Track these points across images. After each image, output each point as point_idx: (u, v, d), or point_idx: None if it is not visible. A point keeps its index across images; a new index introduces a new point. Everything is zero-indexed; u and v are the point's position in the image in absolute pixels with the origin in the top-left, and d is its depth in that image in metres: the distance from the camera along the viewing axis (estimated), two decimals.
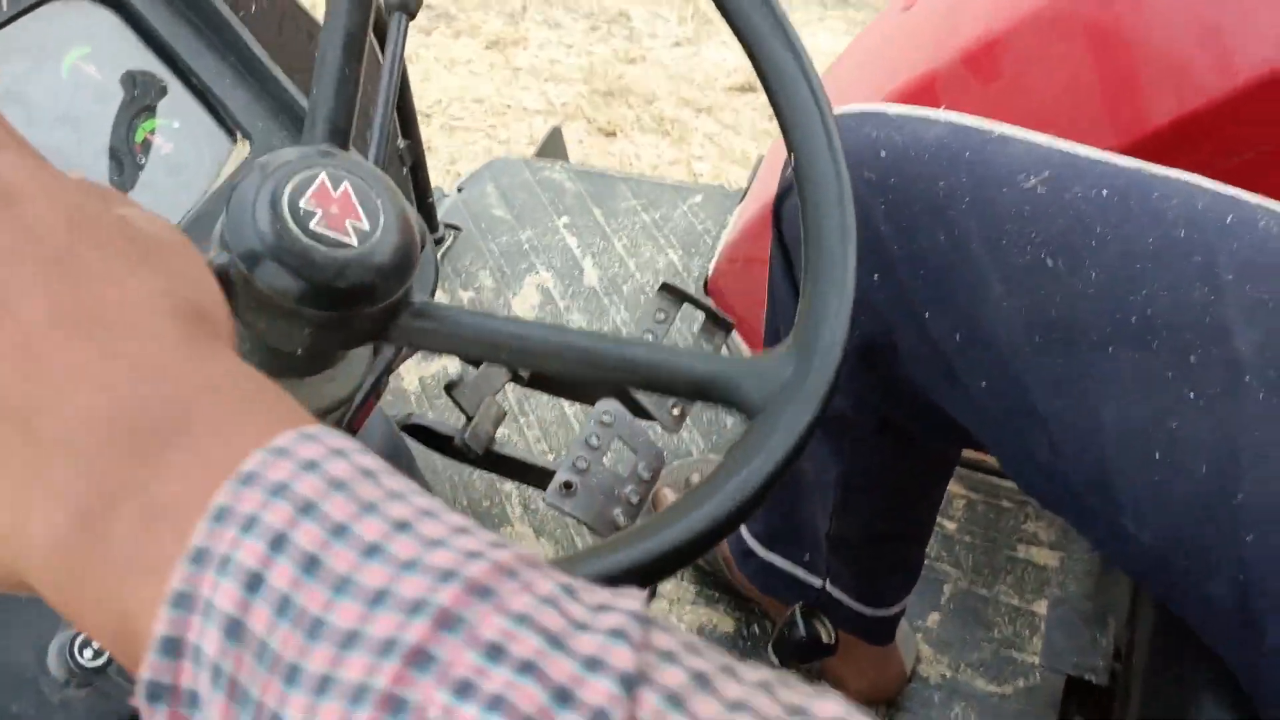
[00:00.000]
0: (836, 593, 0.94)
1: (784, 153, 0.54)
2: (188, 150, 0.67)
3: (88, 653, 0.50)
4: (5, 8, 0.59)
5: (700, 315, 0.94)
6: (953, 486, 1.23)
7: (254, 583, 0.22)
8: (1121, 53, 0.79)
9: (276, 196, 0.42)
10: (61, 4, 0.63)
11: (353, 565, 0.23)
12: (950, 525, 1.19)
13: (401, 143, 1.27)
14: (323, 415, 0.53)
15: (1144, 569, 0.62)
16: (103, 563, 0.24)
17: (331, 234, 0.43)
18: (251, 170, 0.42)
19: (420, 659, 0.21)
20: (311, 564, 0.23)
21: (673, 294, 0.98)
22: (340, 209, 0.44)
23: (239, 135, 0.69)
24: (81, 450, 0.25)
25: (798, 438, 0.44)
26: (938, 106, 0.72)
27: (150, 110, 0.66)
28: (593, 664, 0.22)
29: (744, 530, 0.99)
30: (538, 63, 2.45)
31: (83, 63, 0.63)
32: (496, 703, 0.21)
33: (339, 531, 0.23)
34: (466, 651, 0.21)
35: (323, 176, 0.43)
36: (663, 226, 1.47)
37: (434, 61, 2.43)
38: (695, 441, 1.27)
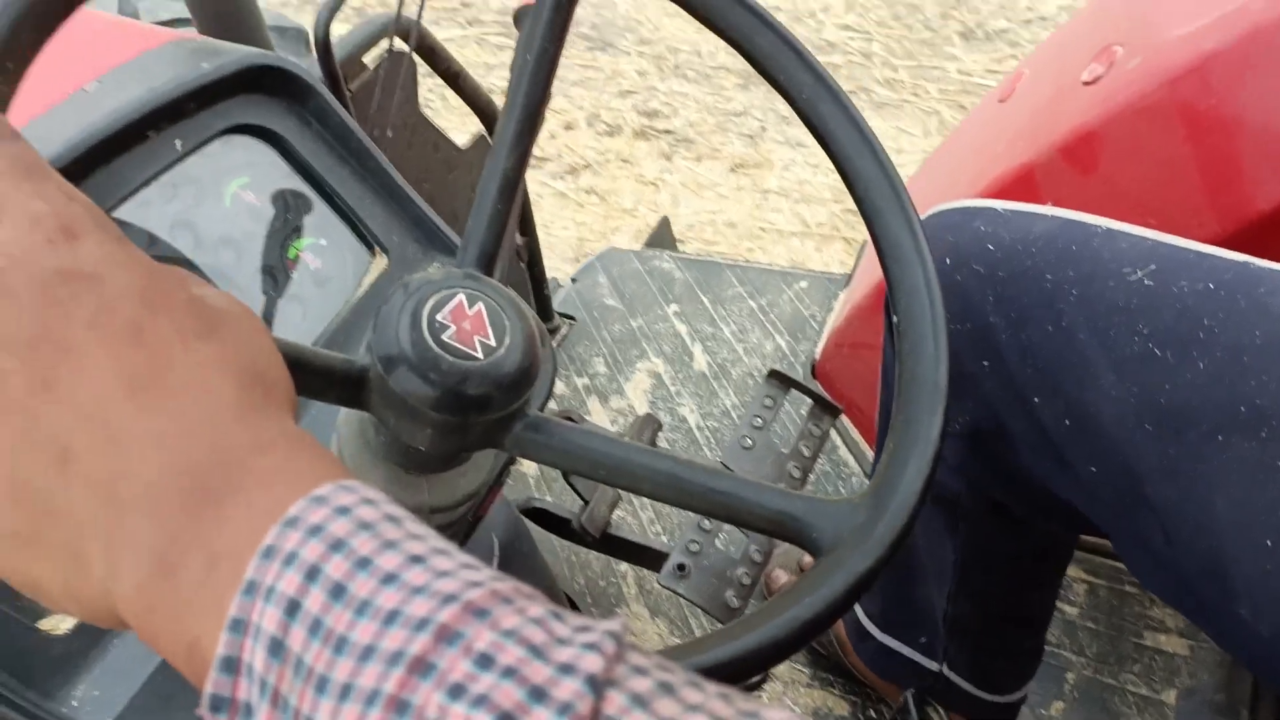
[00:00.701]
0: (954, 677, 0.94)
1: None
2: (333, 264, 0.74)
3: None
4: (179, 148, 0.67)
5: (808, 399, 0.96)
6: (1073, 570, 1.20)
7: (292, 608, 0.27)
8: (1221, 140, 0.79)
9: (418, 310, 0.48)
10: (223, 141, 0.71)
11: (372, 591, 0.27)
12: (1072, 610, 1.17)
13: (520, 239, 1.34)
14: (454, 507, 0.58)
15: (1263, 660, 0.61)
16: (175, 601, 0.29)
17: (460, 346, 0.48)
18: (401, 285, 0.48)
19: (422, 667, 0.25)
20: (338, 591, 0.27)
21: (781, 381, 1.01)
22: (472, 326, 0.49)
23: (378, 250, 0.76)
24: (156, 509, 0.29)
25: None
26: (1037, 198, 0.74)
27: (299, 230, 0.73)
28: (566, 669, 0.25)
29: (860, 612, 0.99)
30: (786, 183, 2.44)
31: (242, 191, 0.71)
32: (481, 701, 0.24)
33: (363, 564, 0.27)
34: (461, 660, 0.25)
35: (461, 296, 0.49)
36: (769, 312, 1.50)
37: (681, 186, 2.42)
38: None
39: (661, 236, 1.76)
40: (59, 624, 0.57)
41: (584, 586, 1.21)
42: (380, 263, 0.76)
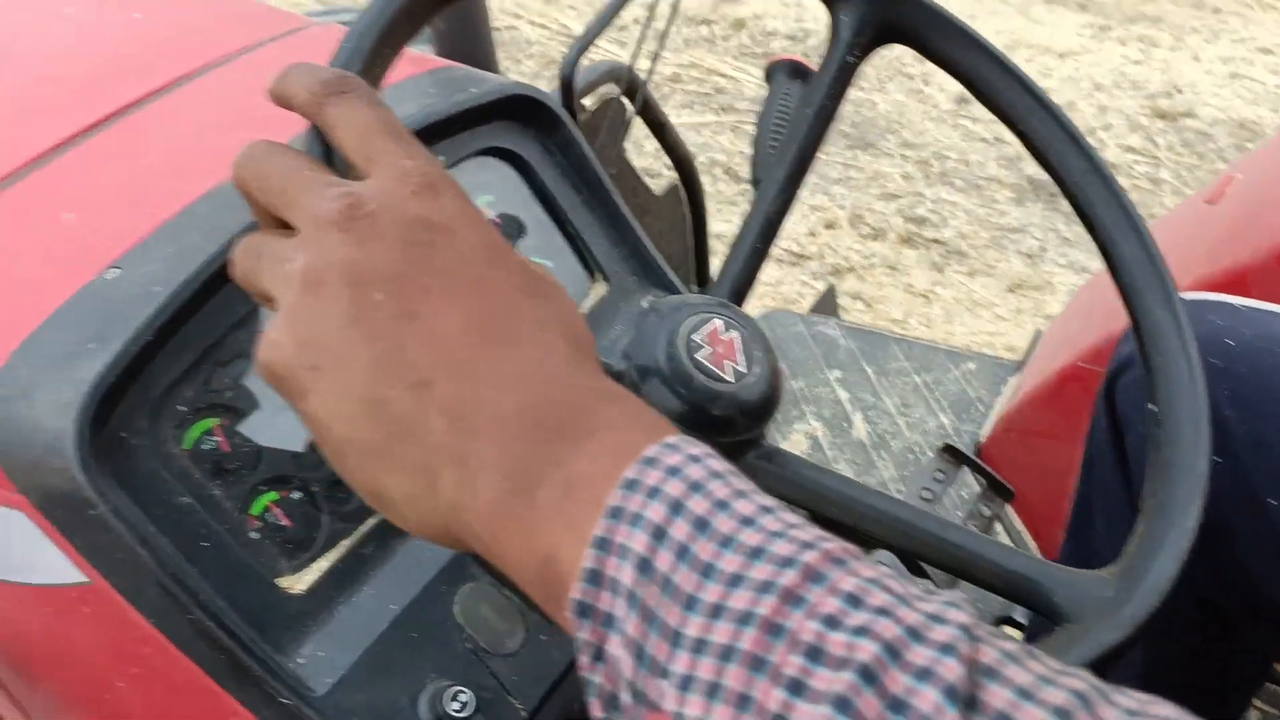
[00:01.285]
0: None
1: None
2: None
3: (455, 705, 0.58)
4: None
5: (975, 480, 0.95)
6: (1260, 703, 1.14)
7: (659, 534, 0.30)
8: None
9: (676, 328, 0.51)
10: (477, 160, 0.76)
11: (734, 530, 0.30)
12: None
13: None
14: None
15: None
16: (530, 518, 0.32)
17: (712, 368, 0.51)
18: (664, 304, 0.51)
19: (792, 599, 0.28)
20: (702, 525, 0.30)
21: (954, 456, 1.01)
22: (724, 350, 0.52)
23: (599, 275, 0.80)
24: (510, 439, 0.33)
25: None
26: (1251, 297, 0.73)
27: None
28: (935, 618, 0.27)
29: None
30: None
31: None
32: (862, 631, 0.27)
33: (721, 506, 0.30)
34: (829, 597, 0.28)
35: (717, 322, 0.52)
36: (934, 389, 1.49)
37: (954, 302, 2.28)
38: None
39: (826, 303, 1.78)
40: (295, 583, 0.61)
41: None
42: (600, 288, 0.79)
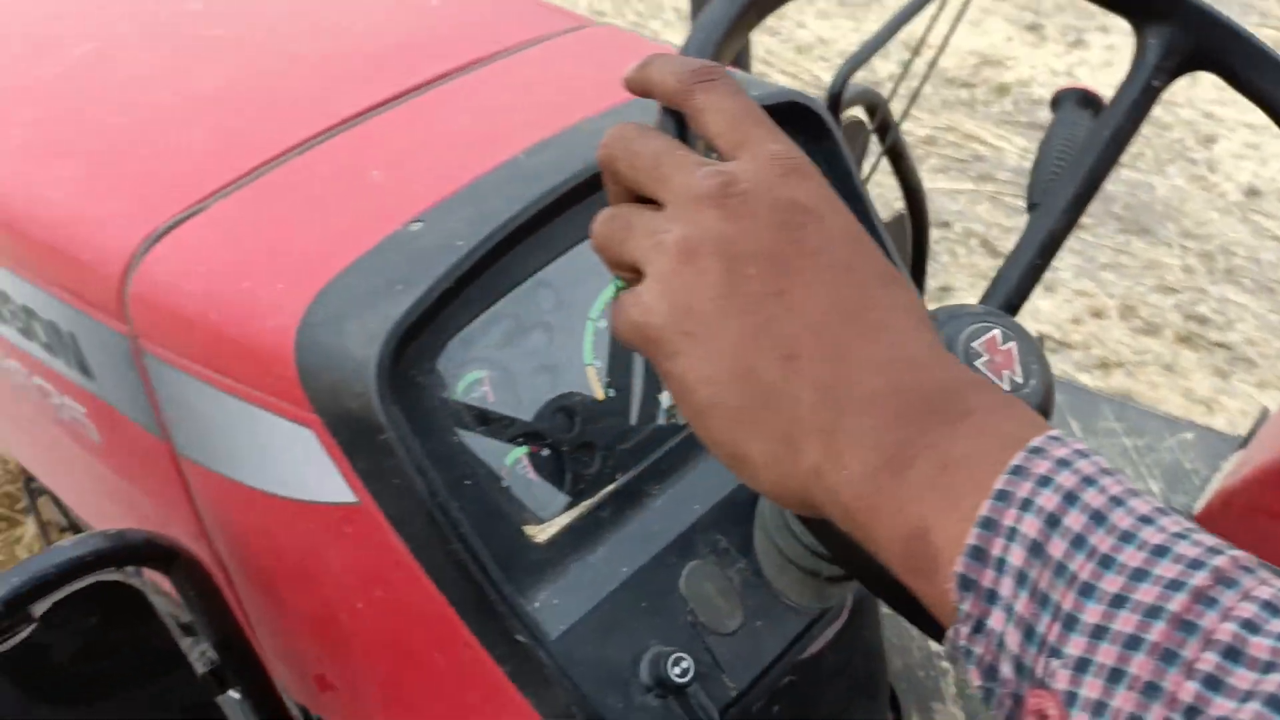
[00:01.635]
0: None
1: None
2: None
3: (677, 670, 0.60)
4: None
5: None
6: None
7: (1053, 521, 0.31)
8: None
9: (955, 334, 0.51)
10: None
11: (1133, 526, 0.30)
12: None
13: None
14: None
15: None
16: (901, 492, 0.34)
17: (990, 375, 0.51)
18: (942, 312, 0.52)
19: (1204, 599, 0.28)
20: (1099, 518, 0.31)
21: None
22: (1002, 360, 0.52)
23: None
24: (880, 416, 0.34)
25: None
26: None
27: None
28: None
29: None
30: None
31: None
32: None
33: (1117, 502, 0.31)
34: (1243, 603, 0.28)
35: (996, 331, 0.52)
36: (1145, 455, 1.43)
37: (1241, 415, 2.07)
38: None
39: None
40: (539, 533, 0.65)
41: (901, 671, 1.20)
42: None
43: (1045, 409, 0.52)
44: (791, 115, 0.78)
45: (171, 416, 0.74)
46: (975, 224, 2.51)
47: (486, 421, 0.65)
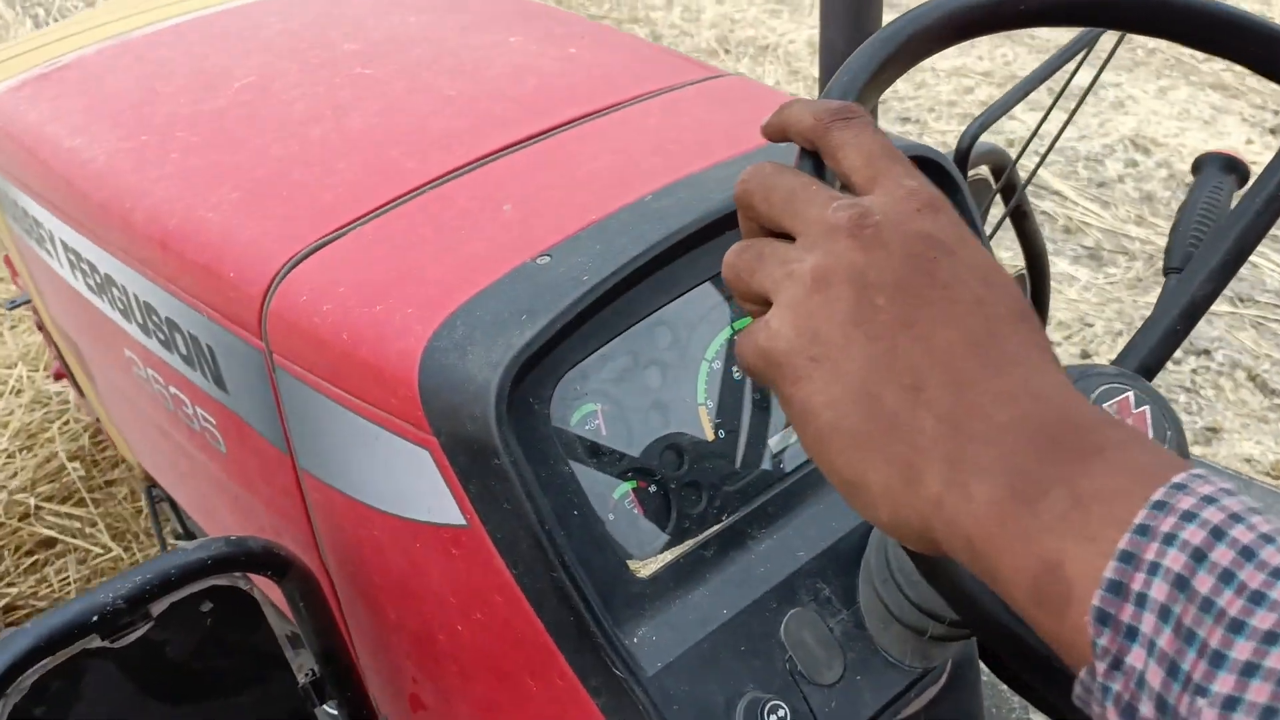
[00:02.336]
0: None
1: None
2: None
3: (773, 718, 0.59)
4: None
5: None
6: None
7: (1198, 556, 0.30)
8: None
9: (1087, 391, 0.50)
10: None
11: None
12: None
13: None
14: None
15: None
16: (1030, 524, 0.33)
17: None
18: (1074, 370, 0.51)
19: None
20: (1247, 554, 0.30)
21: None
22: (1135, 424, 0.51)
23: None
24: (1010, 445, 0.34)
25: None
26: None
27: None
28: None
29: None
30: None
31: None
32: None
33: (1267, 539, 0.30)
34: None
35: (1130, 394, 0.51)
36: None
37: None
38: None
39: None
40: (641, 569, 0.65)
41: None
42: None
43: None
44: (923, 167, 0.78)
45: (297, 431, 0.78)
46: (1240, 354, 2.31)
47: (597, 454, 0.66)
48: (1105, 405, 0.50)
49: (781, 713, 0.59)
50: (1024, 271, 1.29)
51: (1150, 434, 0.51)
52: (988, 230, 1.40)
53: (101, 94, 1.09)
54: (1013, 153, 1.12)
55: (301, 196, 0.82)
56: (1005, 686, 1.14)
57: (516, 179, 0.79)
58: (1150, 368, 0.56)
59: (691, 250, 0.69)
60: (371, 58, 1.03)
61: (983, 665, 1.05)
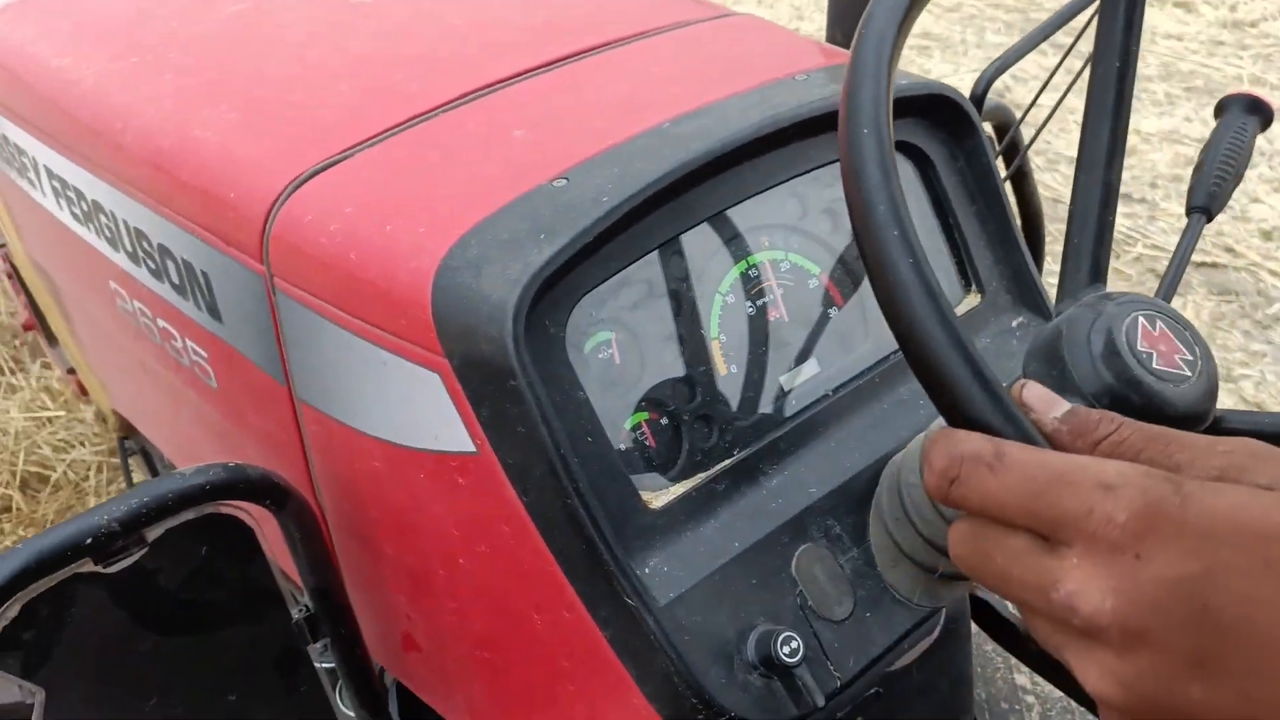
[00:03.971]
0: None
1: None
2: None
3: (785, 650, 0.58)
4: None
5: None
6: None
7: None
8: None
9: (1116, 347, 0.50)
10: None
11: None
12: None
13: None
14: None
15: None
16: None
17: (1171, 371, 0.49)
18: (1070, 324, 0.50)
19: None
20: None
21: None
22: (1167, 346, 0.50)
23: (974, 288, 0.79)
24: None
25: None
26: None
27: None
28: None
29: None
30: None
31: None
32: None
33: None
34: None
35: (1141, 320, 0.50)
36: None
37: None
38: None
39: None
40: (654, 499, 0.64)
41: (983, 702, 1.16)
42: (972, 299, 0.79)
43: (1215, 369, 0.51)
44: (937, 109, 0.77)
45: (296, 360, 0.75)
46: None
47: (611, 383, 0.65)
48: (1139, 345, 0.50)
49: (795, 644, 0.58)
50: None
51: (1177, 342, 0.50)
52: None
53: (89, 15, 1.05)
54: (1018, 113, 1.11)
55: (302, 118, 0.80)
56: (991, 647, 1.14)
57: (527, 105, 0.77)
58: (1103, 267, 0.56)
59: (709, 178, 0.68)
60: None
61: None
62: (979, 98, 0.90)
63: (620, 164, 0.66)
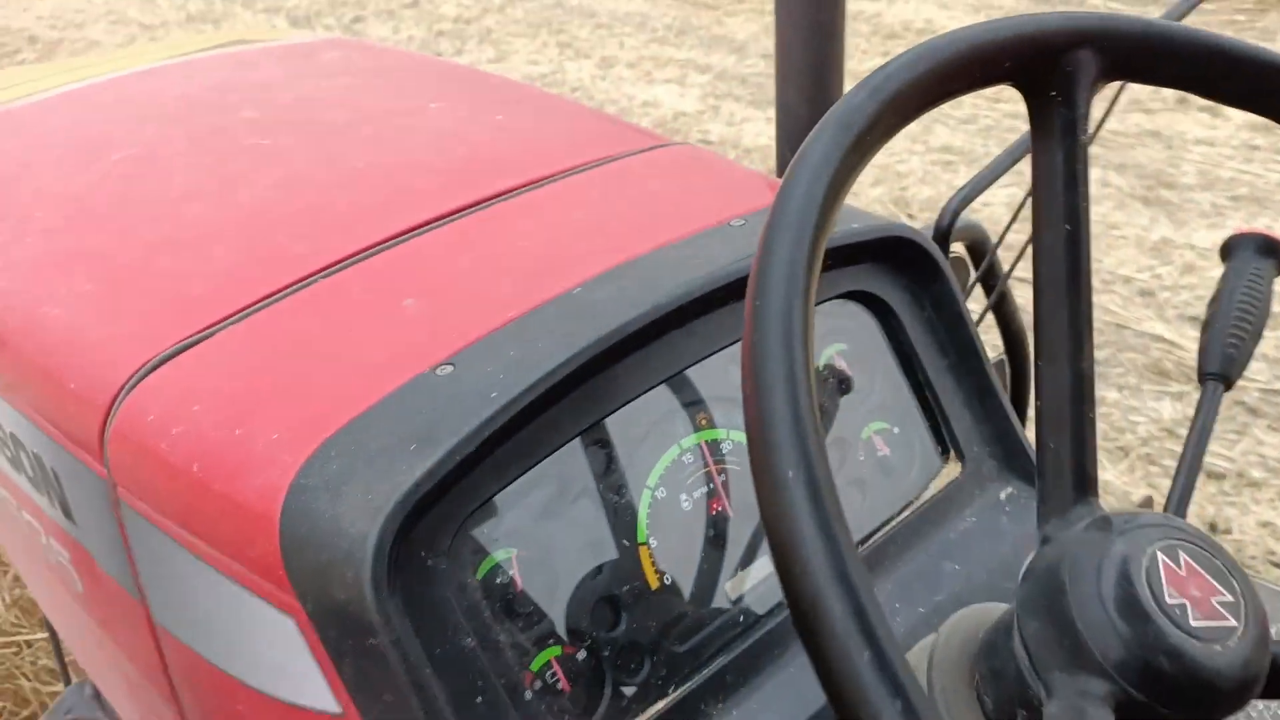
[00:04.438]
0: None
1: None
2: (901, 457, 0.67)
3: None
4: None
5: None
6: None
7: None
8: None
9: (1139, 603, 0.38)
10: (839, 303, 0.67)
11: None
12: None
13: None
14: None
15: None
16: None
17: (1213, 625, 0.37)
18: (1072, 569, 0.39)
19: None
20: None
21: None
22: (1200, 589, 0.38)
23: (953, 454, 0.67)
24: None
25: None
26: None
27: (879, 413, 0.67)
28: None
29: None
30: None
31: (838, 356, 0.67)
32: None
33: None
34: None
35: (1161, 558, 0.39)
36: None
37: None
38: None
39: None
40: None
41: None
42: (952, 470, 0.67)
43: (1261, 601, 0.39)
44: (897, 252, 0.67)
45: (149, 578, 0.63)
46: None
47: (511, 615, 0.52)
48: (1166, 597, 0.38)
49: None
50: (1004, 356, 1.18)
51: (1209, 578, 0.39)
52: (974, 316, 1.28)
53: None
54: (995, 234, 1.02)
55: (166, 288, 0.69)
56: None
57: (426, 265, 0.66)
58: (1091, 476, 0.44)
59: (631, 353, 0.57)
60: (272, 125, 0.91)
61: None
62: (945, 229, 0.79)
63: (520, 343, 0.55)
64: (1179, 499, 0.55)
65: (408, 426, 0.50)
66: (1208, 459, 2.01)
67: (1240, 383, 2.36)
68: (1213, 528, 1.87)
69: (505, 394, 0.50)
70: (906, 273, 0.67)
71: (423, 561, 0.49)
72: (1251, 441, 2.12)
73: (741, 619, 0.58)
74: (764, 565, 0.61)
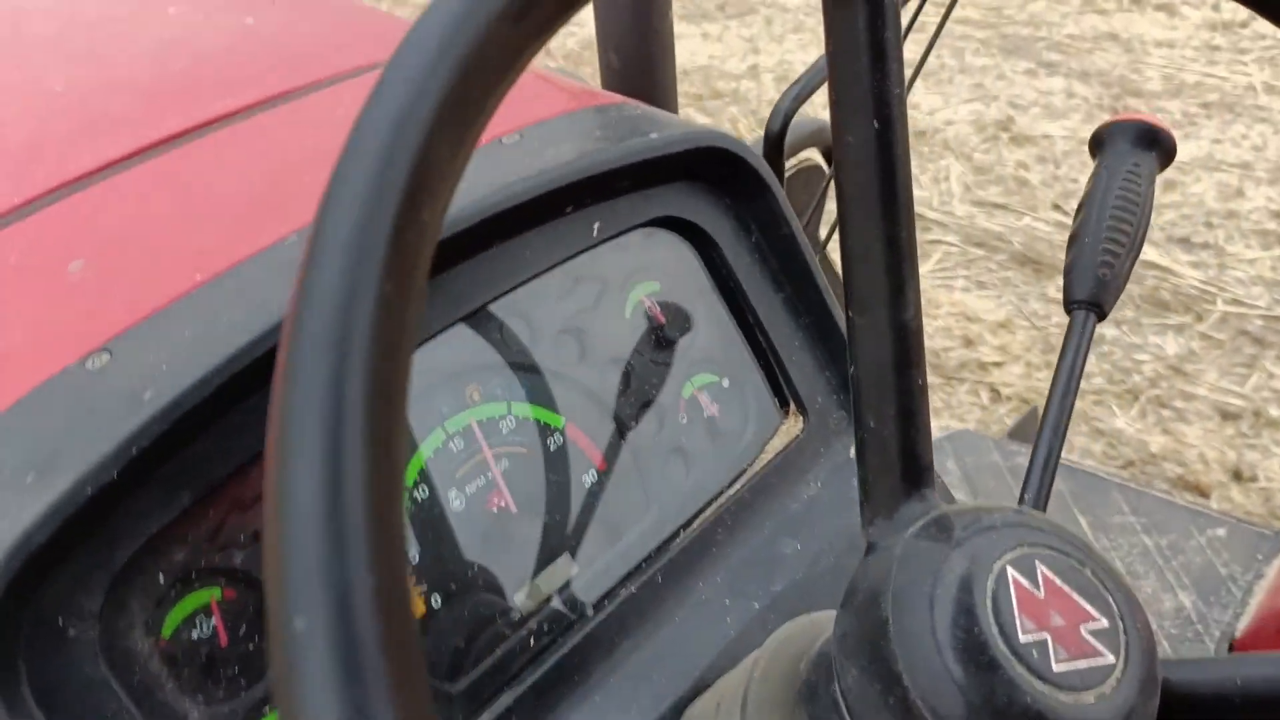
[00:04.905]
0: None
1: None
2: (733, 416, 0.56)
3: None
4: (596, 233, 0.52)
5: None
6: None
7: None
8: None
9: (982, 642, 0.28)
10: (645, 234, 0.55)
11: None
12: None
13: None
14: None
15: None
16: None
17: (1082, 665, 0.28)
18: (897, 598, 0.28)
19: None
20: None
21: None
22: (1065, 616, 0.28)
23: (794, 409, 0.57)
24: None
25: None
26: None
27: (701, 364, 0.56)
28: None
29: None
30: None
31: (649, 300, 0.55)
32: None
33: None
34: None
35: (1010, 572, 0.29)
36: (1171, 558, 1.19)
37: None
38: None
39: (1026, 429, 1.49)
40: None
41: None
42: (793, 426, 0.57)
43: (1150, 627, 0.29)
44: (713, 166, 0.55)
45: None
46: None
47: (214, 679, 0.40)
48: (1022, 634, 0.28)
49: None
50: None
51: (1076, 597, 0.29)
52: (823, 229, 1.18)
53: None
54: None
55: None
56: None
57: (108, 214, 0.51)
58: (927, 463, 0.33)
59: None
60: None
61: None
62: (777, 135, 0.67)
63: (205, 318, 0.41)
64: (1042, 468, 0.45)
65: (29, 448, 0.37)
66: (1218, 398, 1.92)
67: (1239, 309, 2.26)
68: (1237, 475, 1.77)
69: (162, 394, 0.37)
70: (728, 192, 0.55)
71: (61, 632, 0.36)
72: (1263, 375, 2.02)
73: (542, 635, 0.47)
74: (565, 564, 0.49)
